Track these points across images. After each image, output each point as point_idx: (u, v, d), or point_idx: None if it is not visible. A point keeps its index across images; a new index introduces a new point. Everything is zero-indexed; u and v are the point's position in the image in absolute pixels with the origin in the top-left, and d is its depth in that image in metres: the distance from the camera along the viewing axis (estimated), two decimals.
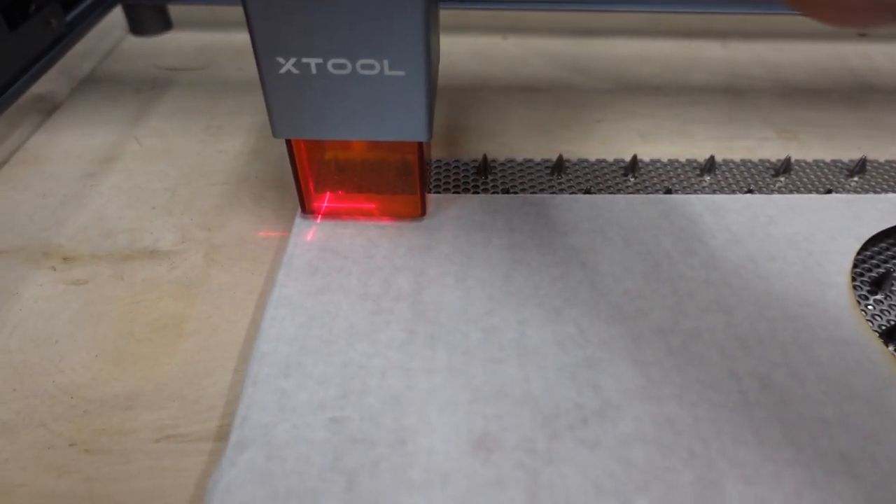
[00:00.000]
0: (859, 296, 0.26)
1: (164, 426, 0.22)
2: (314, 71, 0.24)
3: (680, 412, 0.21)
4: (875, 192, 0.32)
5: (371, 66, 0.24)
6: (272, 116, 0.25)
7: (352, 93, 0.24)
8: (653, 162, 0.35)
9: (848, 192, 0.32)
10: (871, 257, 0.28)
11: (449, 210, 0.29)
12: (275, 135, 0.26)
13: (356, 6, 0.22)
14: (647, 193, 0.31)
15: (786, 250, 0.27)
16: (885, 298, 0.26)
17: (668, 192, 0.31)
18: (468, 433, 0.20)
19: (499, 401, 0.21)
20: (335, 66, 0.24)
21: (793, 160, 0.34)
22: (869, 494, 0.19)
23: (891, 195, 0.31)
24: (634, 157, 0.33)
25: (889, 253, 0.29)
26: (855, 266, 0.27)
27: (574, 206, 0.29)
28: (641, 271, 0.26)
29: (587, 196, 0.30)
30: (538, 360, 0.23)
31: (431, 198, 0.30)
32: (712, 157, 0.33)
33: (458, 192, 0.31)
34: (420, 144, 0.26)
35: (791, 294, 0.25)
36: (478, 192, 0.31)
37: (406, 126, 0.25)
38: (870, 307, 0.26)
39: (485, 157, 0.33)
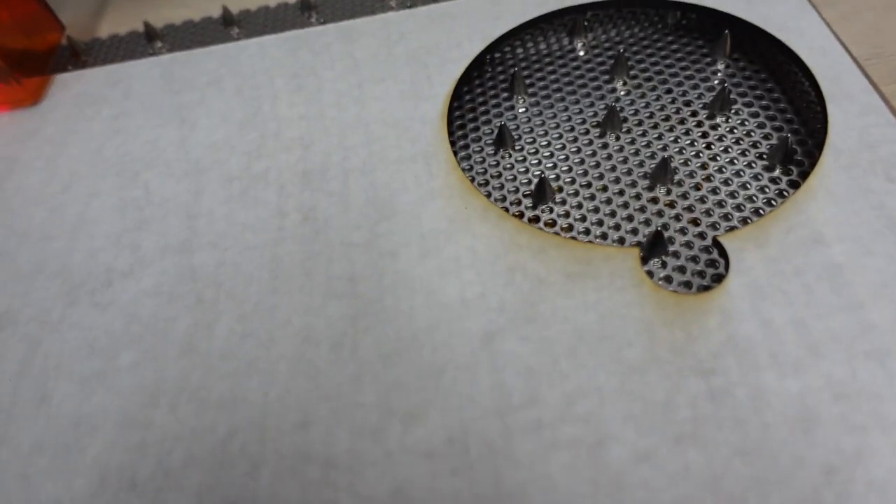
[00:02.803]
0: (455, 106, 0.24)
1: None
2: None
3: (207, 260, 0.20)
4: None
5: None
6: None
7: None
8: None
9: None
10: (491, 60, 0.26)
11: (74, 88, 0.28)
12: None
13: None
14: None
15: (401, 68, 0.25)
16: (474, 112, 0.24)
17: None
18: None
19: (34, 278, 0.21)
20: None
21: None
22: (358, 309, 0.18)
23: None
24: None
25: (515, 52, 0.26)
26: (473, 70, 0.25)
27: (200, 61, 0.27)
28: (239, 119, 0.25)
29: (217, 47, 0.28)
30: (91, 230, 0.22)
31: (58, 79, 0.28)
32: None
33: (113, 63, 0.29)
34: None
35: (382, 115, 0.23)
36: (127, 61, 0.29)
37: None
38: (457, 115, 0.24)
39: (146, 24, 0.31)
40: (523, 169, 0.22)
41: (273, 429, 0.17)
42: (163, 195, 0.23)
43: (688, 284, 0.19)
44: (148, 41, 0.31)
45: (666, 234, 0.20)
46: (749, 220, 0.20)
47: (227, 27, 0.31)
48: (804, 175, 0.20)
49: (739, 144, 0.22)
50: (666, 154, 0.22)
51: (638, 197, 0.21)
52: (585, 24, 0.26)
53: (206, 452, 0.17)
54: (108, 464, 0.17)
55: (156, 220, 0.22)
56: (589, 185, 0.22)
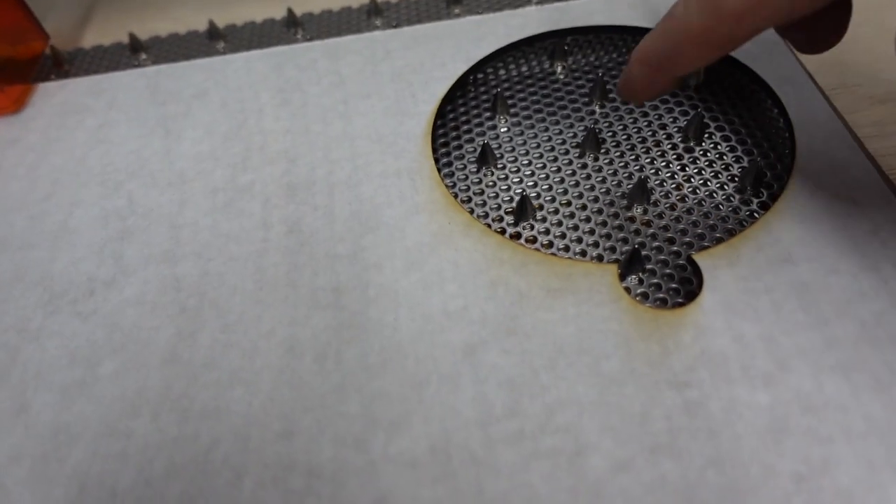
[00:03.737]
0: (439, 124, 0.25)
1: None
2: None
3: (190, 270, 0.20)
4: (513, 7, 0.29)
5: None
6: None
7: None
8: (324, 13, 0.32)
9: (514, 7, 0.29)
10: (475, 81, 0.27)
11: (57, 97, 0.28)
12: None
13: None
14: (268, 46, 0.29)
15: (386, 86, 0.26)
16: (457, 130, 0.25)
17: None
18: None
19: (12, 286, 0.21)
20: None
21: None
22: (343, 320, 0.19)
23: (527, 9, 0.28)
24: (290, 10, 0.31)
25: (497, 73, 0.27)
26: (456, 90, 0.26)
27: (186, 73, 0.28)
28: (224, 131, 0.25)
29: (203, 60, 0.28)
30: (73, 239, 0.22)
31: (41, 87, 0.28)
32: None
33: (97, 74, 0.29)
34: None
35: (367, 131, 0.24)
36: (112, 72, 0.29)
37: None
38: (441, 133, 0.25)
39: (131, 36, 0.31)
40: (505, 187, 0.23)
41: (256, 438, 0.17)
42: (146, 205, 0.23)
43: (663, 300, 0.19)
44: (132, 52, 0.31)
45: (643, 252, 0.20)
46: (722, 240, 0.20)
47: (212, 41, 0.31)
48: (774, 197, 0.21)
49: (712, 167, 0.23)
50: (643, 175, 0.22)
51: (616, 216, 0.22)
52: (566, 48, 0.27)
53: (188, 461, 0.17)
54: (88, 473, 0.17)
55: (139, 229, 0.22)
56: (569, 203, 0.22)
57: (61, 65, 0.31)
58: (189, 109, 0.26)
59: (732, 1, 0.16)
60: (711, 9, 0.16)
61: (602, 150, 0.24)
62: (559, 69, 0.27)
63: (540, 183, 0.23)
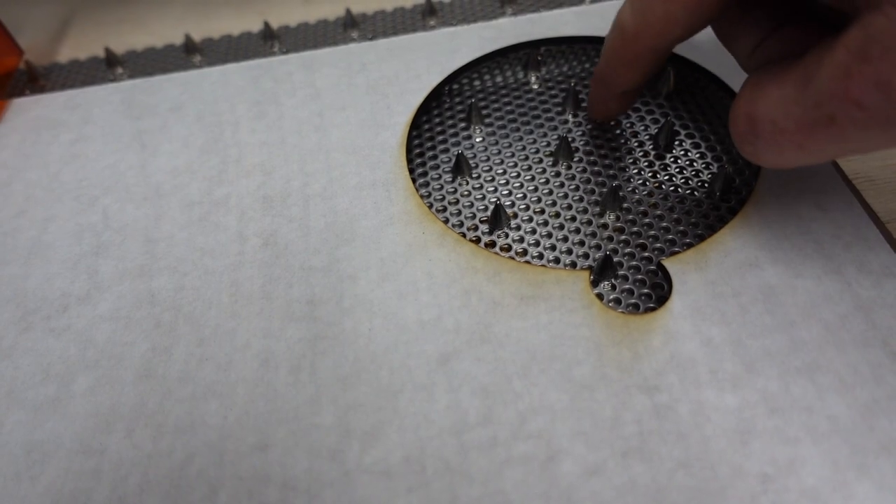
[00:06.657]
0: (414, 135, 0.25)
1: None
2: None
3: (165, 284, 0.20)
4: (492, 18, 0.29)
5: None
6: None
7: None
8: (300, 26, 0.32)
9: (496, 18, 0.29)
10: (449, 92, 0.27)
11: (31, 112, 0.27)
12: None
13: None
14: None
15: (361, 97, 0.26)
16: (432, 141, 0.25)
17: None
18: None
19: None
20: None
21: (435, 1, 0.32)
22: (317, 332, 0.19)
23: (500, 20, 0.29)
24: (266, 23, 0.31)
25: (472, 84, 0.27)
26: (431, 101, 0.26)
27: (162, 87, 0.28)
28: (200, 145, 0.25)
29: (179, 74, 0.28)
30: (46, 255, 0.22)
31: (15, 103, 0.28)
32: (348, 11, 0.31)
33: (72, 88, 0.29)
34: None
35: (343, 143, 0.24)
36: (86, 86, 0.29)
37: None
38: (416, 144, 0.25)
39: (107, 50, 0.31)
40: (480, 196, 0.23)
41: (231, 452, 0.17)
42: (121, 220, 0.23)
43: (635, 306, 0.19)
44: (108, 67, 0.31)
45: (615, 258, 0.21)
46: (691, 245, 0.21)
47: (189, 55, 0.31)
48: (742, 202, 0.22)
49: (683, 174, 0.23)
50: (615, 182, 0.23)
51: (589, 223, 0.22)
52: (539, 58, 0.28)
53: (162, 477, 0.17)
54: (61, 492, 0.17)
55: (114, 244, 0.22)
56: (542, 211, 0.22)
57: (36, 80, 0.30)
58: (165, 123, 0.26)
59: (629, 24, 0.19)
60: (619, 32, 0.20)
61: (575, 159, 0.24)
62: (533, 79, 0.27)
63: (514, 191, 0.23)
